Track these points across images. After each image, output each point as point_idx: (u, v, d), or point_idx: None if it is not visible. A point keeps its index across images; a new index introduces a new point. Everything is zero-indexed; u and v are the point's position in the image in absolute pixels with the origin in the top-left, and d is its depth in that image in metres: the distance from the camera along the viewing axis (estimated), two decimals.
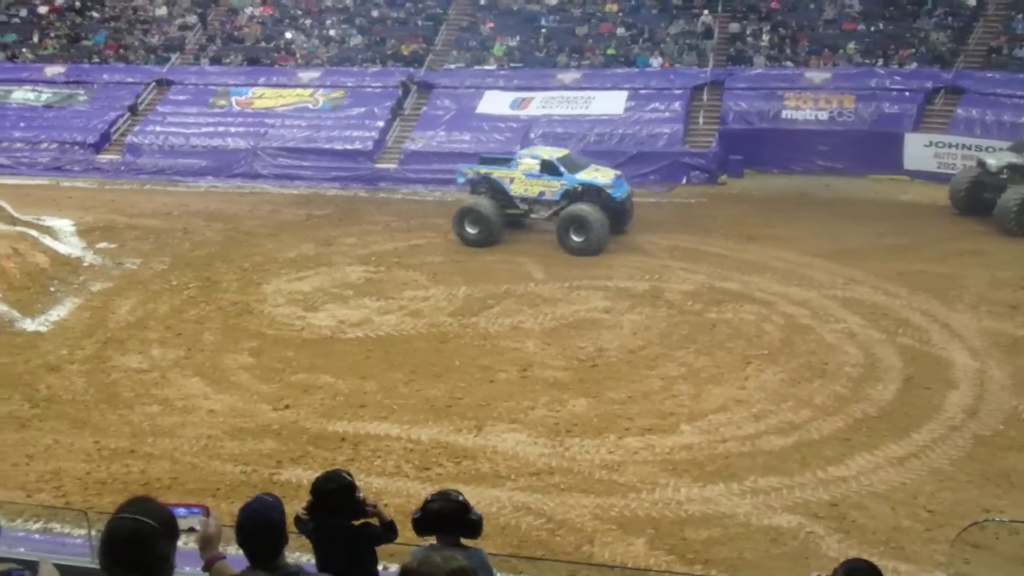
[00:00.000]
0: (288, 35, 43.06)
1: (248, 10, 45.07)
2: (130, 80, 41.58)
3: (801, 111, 35.66)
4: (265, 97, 39.57)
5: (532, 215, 28.96)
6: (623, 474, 16.10)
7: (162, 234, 29.88)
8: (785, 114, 35.81)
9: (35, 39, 44.56)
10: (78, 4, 46.32)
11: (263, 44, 42.82)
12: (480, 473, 16.30)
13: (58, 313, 24.03)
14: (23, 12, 46.45)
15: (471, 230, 28.27)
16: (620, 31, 40.63)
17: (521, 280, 25.37)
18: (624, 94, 37.14)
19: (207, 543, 4.59)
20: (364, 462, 16.54)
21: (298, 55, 41.81)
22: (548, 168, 28.37)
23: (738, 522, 14.65)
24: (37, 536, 13.90)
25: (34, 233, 27.96)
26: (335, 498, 6.78)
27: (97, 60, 42.92)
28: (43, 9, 46.30)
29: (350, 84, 39.60)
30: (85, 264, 27.24)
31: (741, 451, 16.77)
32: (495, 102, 37.73)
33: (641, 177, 34.09)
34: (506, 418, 18.19)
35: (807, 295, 23.93)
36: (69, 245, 28.41)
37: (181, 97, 40.38)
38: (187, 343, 22.10)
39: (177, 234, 29.90)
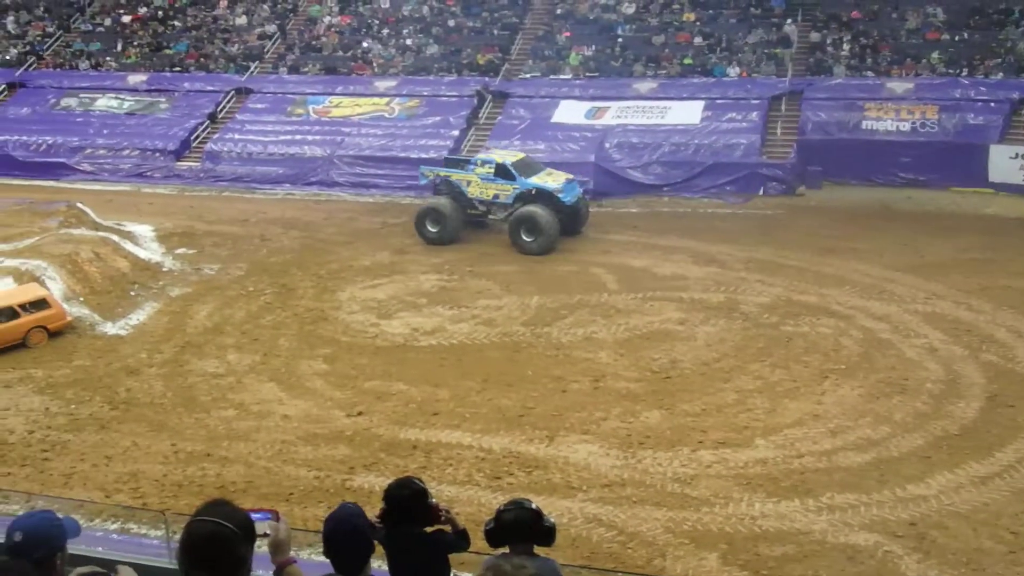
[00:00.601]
0: (365, 44, 43.48)
1: (326, 19, 45.62)
2: (210, 88, 42.30)
3: (882, 122, 35.11)
4: (342, 106, 39.99)
5: (490, 216, 30.25)
6: (696, 488, 15.97)
7: (240, 241, 30.35)
8: (866, 125, 35.27)
9: (119, 48, 45.55)
10: (161, 14, 47.28)
11: (341, 53, 43.29)
12: (551, 484, 16.28)
13: (138, 317, 24.53)
14: (107, 21, 47.54)
15: (432, 229, 29.68)
16: (697, 40, 40.40)
17: (595, 290, 25.31)
18: (700, 104, 36.90)
19: (278, 547, 4.65)
20: (436, 470, 16.62)
21: (375, 64, 42.18)
22: (502, 172, 29.68)
23: (814, 539, 14.45)
24: (115, 536, 14.18)
25: (116, 238, 28.55)
26: (408, 504, 6.78)
27: (178, 69, 43.73)
28: (127, 18, 47.34)
29: (426, 93, 39.87)
30: (164, 269, 27.76)
31: (817, 467, 16.54)
32: (570, 112, 37.72)
33: (717, 188, 33.87)
34: (578, 429, 18.15)
35: (887, 309, 23.54)
36: (149, 250, 28.97)
37: (260, 105, 40.98)
38: (263, 349, 22.41)
39: (254, 241, 30.35)
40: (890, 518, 14.92)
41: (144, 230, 30.95)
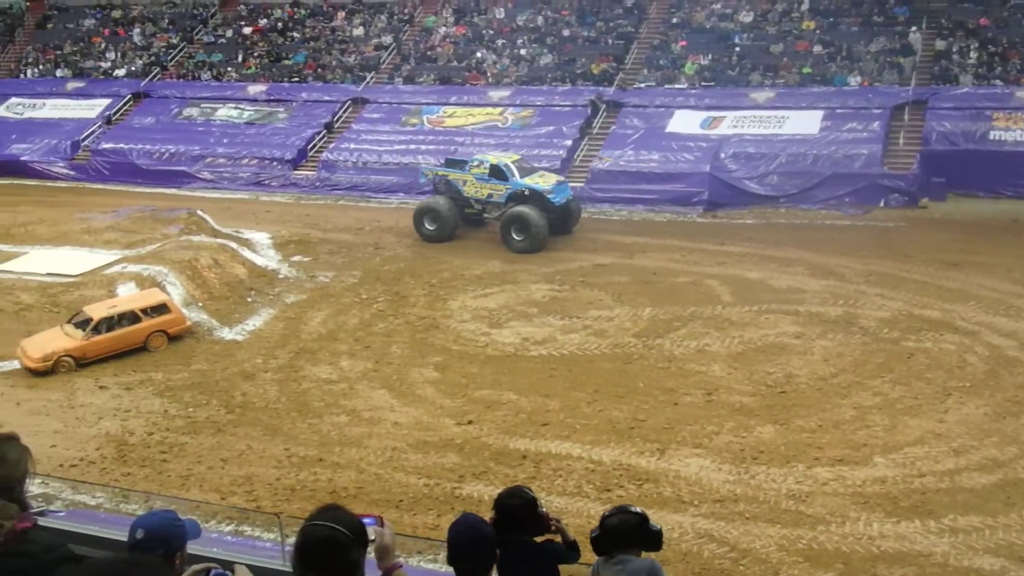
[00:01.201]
0: (479, 55, 43.81)
1: (442, 30, 46.11)
2: (327, 99, 43.07)
3: (1011, 132, 33.95)
4: (456, 116, 40.34)
5: (485, 215, 31.65)
6: (811, 505, 15.64)
7: (354, 249, 30.80)
8: (993, 135, 34.16)
9: (239, 59, 46.71)
10: (280, 25, 48.38)
11: (455, 64, 43.68)
12: (662, 497, 16.12)
13: (254, 323, 25.07)
14: (229, 33, 48.81)
15: (429, 227, 31.27)
16: (817, 49, 39.69)
17: (708, 302, 25.01)
18: (819, 114, 36.21)
19: (385, 552, 4.67)
20: (545, 480, 16.59)
21: (489, 74, 42.45)
22: (496, 173, 31.13)
23: (935, 562, 14.01)
24: (229, 538, 14.46)
25: (234, 245, 29.25)
26: (519, 513, 6.73)
27: (296, 79, 44.65)
28: (248, 30, 48.54)
29: (539, 103, 39.96)
30: (280, 276, 28.33)
31: (939, 487, 16.05)
32: (685, 121, 37.41)
33: (835, 199, 33.17)
34: (690, 442, 17.95)
35: (1015, 326, 22.75)
36: (266, 257, 29.60)
37: (375, 115, 41.57)
38: (375, 356, 22.69)
39: (368, 249, 30.76)
40: (1017, 542, 14.40)
41: (261, 237, 31.64)
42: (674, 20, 43.36)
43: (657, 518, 14.91)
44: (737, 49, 40.75)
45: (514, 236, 30.02)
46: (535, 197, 30.46)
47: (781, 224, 32.03)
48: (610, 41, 43.04)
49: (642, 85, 40.23)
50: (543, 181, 31.24)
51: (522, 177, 31.10)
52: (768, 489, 16.22)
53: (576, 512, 15.44)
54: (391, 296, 26.55)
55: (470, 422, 19.18)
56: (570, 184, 32.27)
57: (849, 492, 16.00)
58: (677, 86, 39.71)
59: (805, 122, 35.98)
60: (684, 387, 20.33)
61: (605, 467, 17.20)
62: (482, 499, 15.89)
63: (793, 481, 16.42)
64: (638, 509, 6.51)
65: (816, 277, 26.61)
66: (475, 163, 31.77)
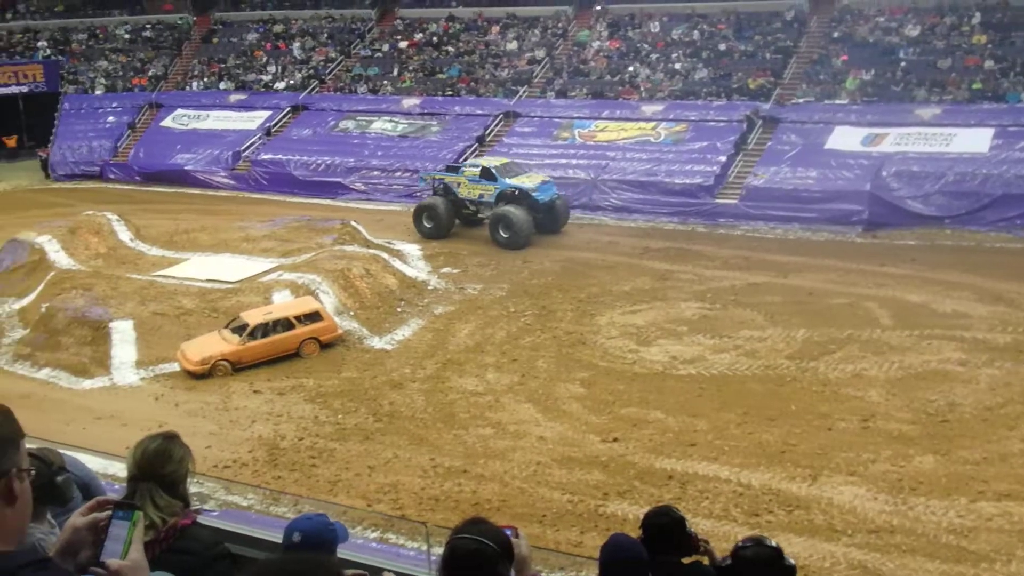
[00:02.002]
0: (633, 69, 43.73)
1: (595, 44, 46.22)
2: (479, 112, 43.62)
3: None
4: (608, 130, 40.33)
5: (480, 215, 34.25)
6: (974, 541, 15.02)
7: (502, 261, 31.07)
8: None
9: (395, 72, 47.74)
10: (436, 39, 49.26)
11: (608, 78, 43.70)
12: (813, 525, 15.72)
13: (403, 333, 25.48)
14: (385, 47, 49.96)
15: (427, 224, 34.13)
16: (988, 64, 38.29)
17: (866, 325, 24.32)
18: (990, 131, 34.88)
19: (523, 564, 4.66)
20: (691, 502, 16.37)
21: (642, 89, 42.31)
22: (486, 174, 33.93)
23: None
24: (375, 544, 14.71)
25: (385, 256, 29.82)
26: (669, 533, 6.65)
27: (450, 93, 45.38)
28: (404, 44, 49.60)
29: (693, 118, 39.63)
30: (430, 288, 28.74)
31: None
32: (845, 138, 36.53)
33: (1006, 221, 31.87)
34: (844, 469, 17.45)
35: None
36: (416, 269, 30.10)
37: (526, 129, 41.90)
38: (521, 369, 22.79)
39: (516, 262, 30.98)
40: None
41: (412, 249, 32.22)
42: (836, 34, 42.48)
43: (808, 546, 14.64)
44: (902, 64, 39.64)
45: (501, 232, 32.66)
46: (522, 196, 33.15)
47: (946, 246, 30.94)
48: (768, 55, 42.42)
49: (800, 100, 39.50)
50: (529, 181, 33.82)
51: (511, 178, 33.80)
52: (927, 522, 15.65)
53: (722, 536, 15.16)
54: (538, 310, 26.65)
55: (616, 439, 19.07)
56: (555, 186, 34.49)
57: (1016, 529, 15.30)
58: (837, 101, 38.85)
59: (974, 140, 34.71)
60: (839, 412, 19.80)
61: (754, 491, 16.87)
62: (626, 518, 15.77)
63: (955, 515, 15.80)
64: (774, 543, 6.34)
65: (984, 302, 25.59)
66: (469, 166, 35.07)
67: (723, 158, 37.21)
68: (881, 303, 25.84)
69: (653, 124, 39.89)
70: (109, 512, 3.19)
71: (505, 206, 32.92)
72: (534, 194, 33.23)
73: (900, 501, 16.27)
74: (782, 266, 29.29)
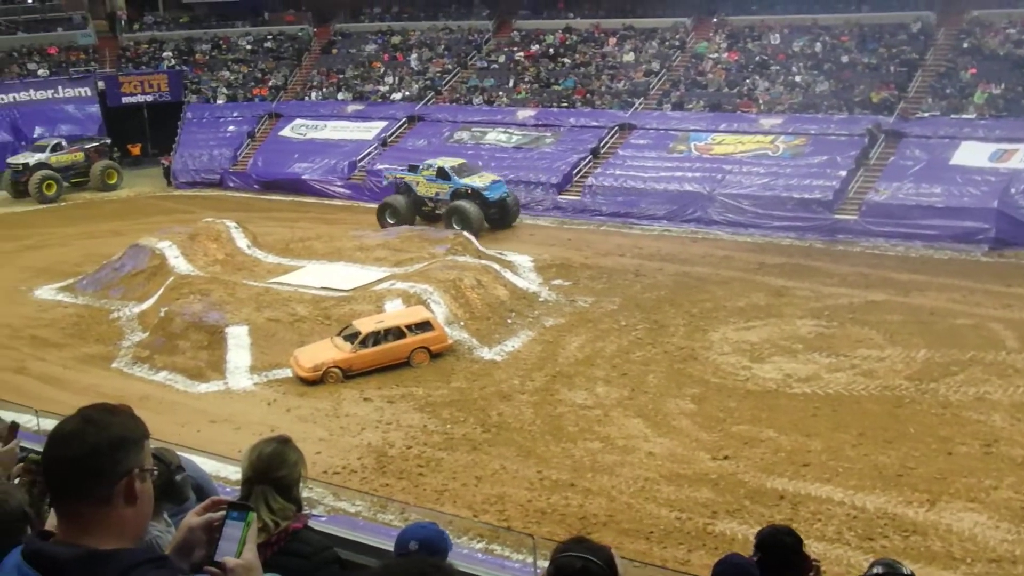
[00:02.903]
0: (751, 81, 43.28)
1: (713, 56, 45.88)
2: (594, 124, 43.61)
3: None
4: (724, 143, 39.96)
5: (437, 211, 37.80)
6: None
7: (614, 274, 31.00)
8: None
9: (511, 84, 48.07)
10: (552, 51, 49.45)
11: (726, 90, 43.33)
12: (930, 552, 15.34)
13: (513, 344, 25.61)
14: (502, 59, 50.34)
15: (390, 220, 37.27)
16: None
17: (991, 347, 23.62)
18: None
19: None
20: (803, 524, 16.09)
21: (761, 101, 41.84)
22: (441, 174, 37.47)
23: None
24: (480, 555, 14.80)
25: (496, 267, 30.01)
26: (786, 554, 6.57)
27: (565, 104, 45.49)
28: (520, 56, 49.90)
29: (813, 131, 39.02)
30: (540, 299, 28.83)
31: None
32: (972, 153, 35.53)
33: None
34: (964, 495, 16.99)
35: None
36: (527, 280, 30.22)
37: (642, 141, 41.75)
38: (631, 384, 22.71)
39: (629, 275, 30.88)
40: None
41: (523, 260, 32.36)
42: (964, 46, 41.41)
43: (924, 574, 14.26)
44: None
45: (455, 226, 35.56)
46: (473, 193, 36.70)
47: None
48: (892, 68, 41.57)
49: (925, 114, 38.60)
50: (480, 180, 37.37)
51: (464, 177, 37.34)
52: None
53: (835, 560, 14.92)
54: (650, 324, 26.52)
55: (726, 457, 18.88)
56: (505, 186, 37.90)
57: None
58: (964, 116, 37.86)
59: None
60: (960, 436, 19.27)
61: (868, 515, 16.53)
62: (735, 537, 15.60)
63: None
64: (907, 570, 6.21)
65: None
66: (425, 167, 38.10)
67: (843, 173, 36.56)
68: (1007, 324, 25.09)
69: (771, 137, 39.40)
70: (223, 512, 3.28)
71: (459, 201, 36.61)
72: (484, 192, 36.88)
73: None
74: (903, 284, 28.65)
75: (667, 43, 47.64)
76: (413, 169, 38.61)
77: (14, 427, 5.71)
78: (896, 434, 19.47)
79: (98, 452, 2.96)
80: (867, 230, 33.98)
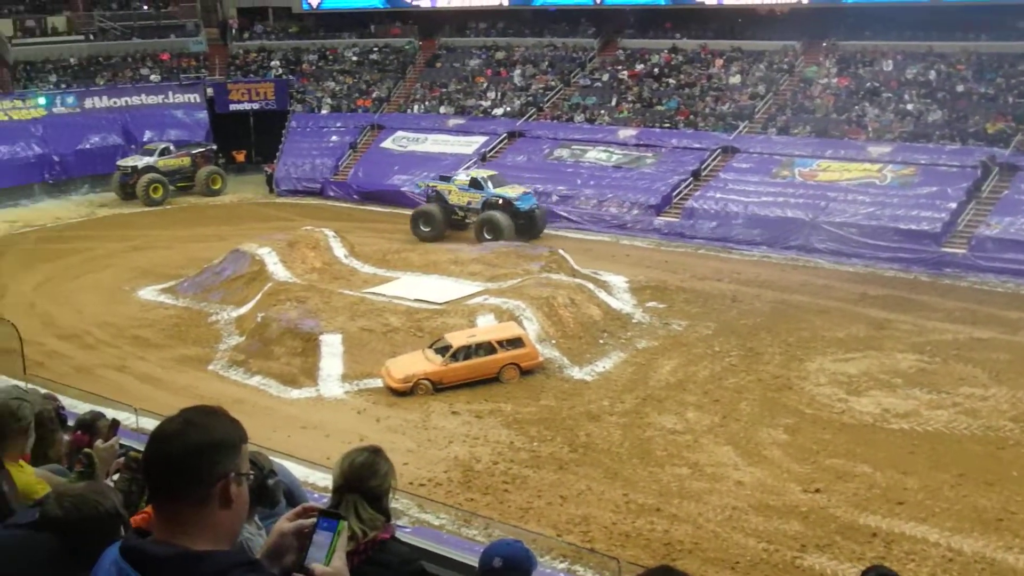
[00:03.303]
0: (860, 108, 42.63)
1: (822, 81, 45.31)
2: (696, 146, 43.34)
3: None
4: (830, 170, 39.38)
5: (467, 220, 39.21)
6: None
7: (710, 299, 30.76)
8: None
9: (613, 103, 48.04)
10: (657, 71, 49.32)
11: (834, 116, 42.72)
12: None
13: (604, 365, 25.56)
14: (605, 77, 50.36)
15: (424, 228, 38.80)
16: None
17: None
18: None
19: None
20: (895, 563, 15.78)
21: (870, 129, 41.17)
22: (474, 184, 39.08)
23: None
24: (562, 575, 14.84)
25: (591, 286, 30.01)
26: None
27: (668, 125, 45.29)
28: (624, 74, 49.86)
29: (923, 161, 38.23)
30: (634, 321, 28.73)
31: None
32: None
33: None
34: None
35: None
36: (621, 301, 30.15)
37: (744, 165, 41.37)
38: (723, 410, 22.53)
39: (725, 300, 30.62)
40: None
41: (618, 281, 32.29)
42: None
43: None
44: None
45: (485, 235, 37.09)
46: (505, 203, 38.12)
47: None
48: (1010, 99, 40.56)
49: None
50: (512, 191, 38.83)
51: (496, 188, 38.74)
52: None
53: None
54: (744, 351, 26.27)
55: (818, 490, 18.60)
56: (535, 198, 39.37)
57: None
58: None
59: None
60: None
61: (965, 558, 16.14)
62: (824, 573, 15.39)
63: None
64: None
65: None
66: (459, 175, 40.20)
67: (953, 205, 35.76)
68: None
69: (879, 166, 38.73)
70: (314, 520, 3.36)
71: (490, 211, 37.84)
72: (515, 202, 38.21)
73: None
74: (1012, 322, 27.93)
75: (775, 66, 47.17)
76: (445, 179, 40.41)
77: (115, 424, 5.92)
78: (998, 476, 18.99)
79: (197, 454, 3.05)
80: (976, 265, 33.20)
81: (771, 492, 18.61)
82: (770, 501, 18.25)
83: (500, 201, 38.21)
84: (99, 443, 5.59)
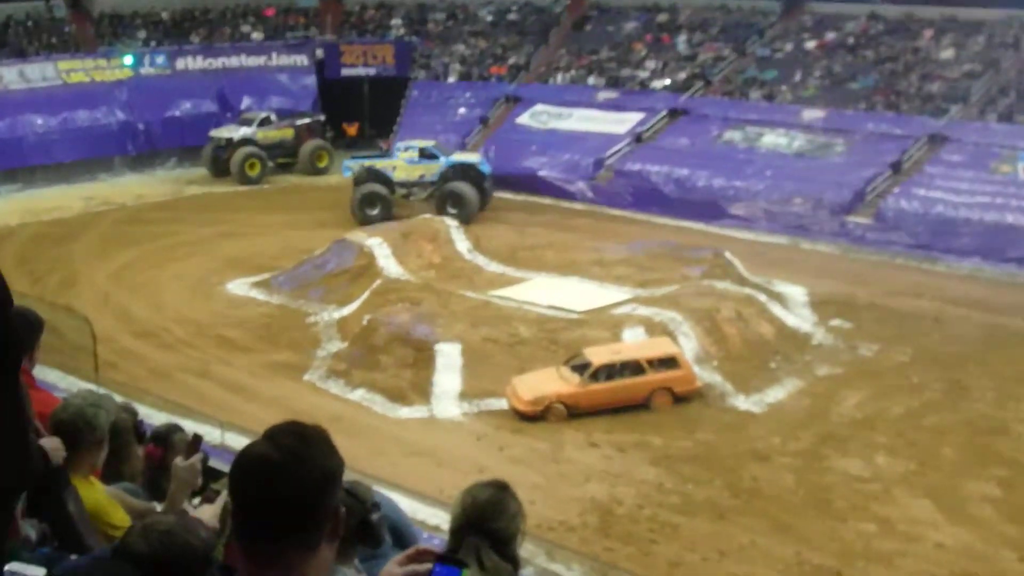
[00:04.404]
0: None
1: None
2: (898, 132, 42.41)
3: None
4: None
5: (411, 197, 41.70)
6: None
7: (907, 319, 30.09)
8: None
9: (797, 78, 47.34)
10: (852, 41, 48.40)
11: None
12: None
13: (775, 394, 25.19)
14: (788, 47, 49.64)
15: (371, 212, 40.13)
16: None
17: None
18: None
19: None
20: None
21: None
22: (426, 154, 41.72)
23: None
24: None
25: (762, 298, 29.60)
26: None
27: (863, 106, 44.43)
28: (811, 44, 49.09)
29: None
30: (813, 342, 28.25)
31: None
32: None
33: None
34: None
35: None
36: (799, 317, 29.67)
37: (955, 158, 40.34)
38: (920, 455, 22.03)
39: (926, 322, 29.94)
40: None
41: (796, 292, 31.80)
42: None
43: None
44: None
45: (450, 210, 39.17)
46: (467, 168, 41.30)
47: None
48: None
49: None
50: (468, 156, 42.98)
51: (447, 156, 42.05)
52: None
53: None
54: (948, 384, 25.63)
55: None
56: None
57: None
58: None
59: None
60: None
61: None
62: None
63: None
64: None
65: None
66: (403, 149, 42.21)
67: None
68: None
69: None
70: (430, 566, 3.28)
71: (454, 183, 40.58)
72: (479, 166, 41.78)
73: None
74: None
75: (996, 40, 45.89)
76: (380, 156, 43.21)
77: (196, 440, 5.93)
78: None
79: (314, 491, 3.01)
80: None
81: (979, 559, 18.15)
82: (977, 569, 17.82)
83: (456, 167, 41.22)
84: (178, 460, 5.62)
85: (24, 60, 49.31)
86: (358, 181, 41.48)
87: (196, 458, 5.67)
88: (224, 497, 5.47)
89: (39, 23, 52.63)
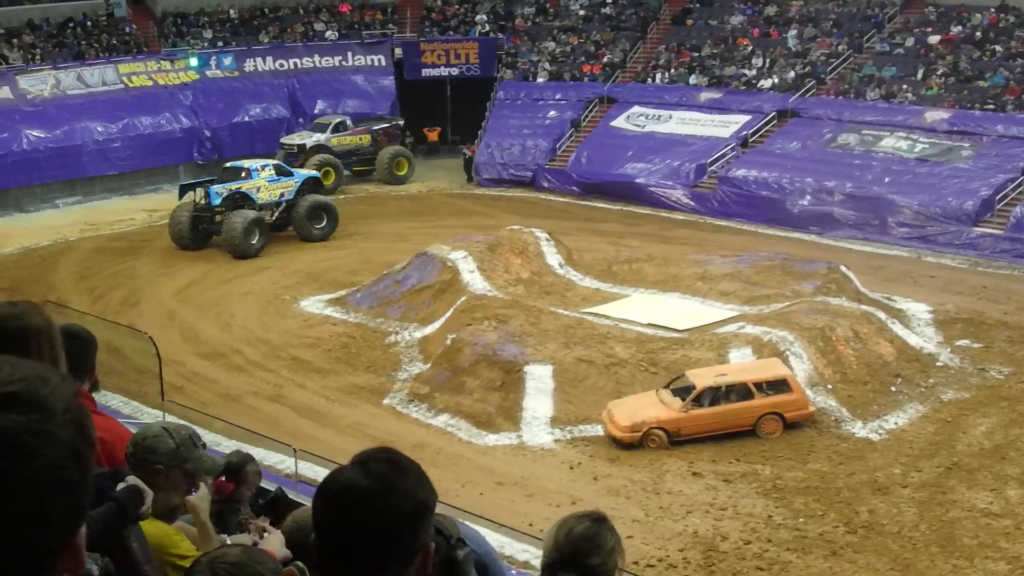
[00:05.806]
0: None
1: None
2: None
3: None
4: None
5: (276, 219, 40.61)
6: None
7: None
8: None
9: (919, 76, 46.86)
10: (979, 35, 47.75)
11: None
12: None
13: (896, 420, 24.96)
14: (909, 42, 49.13)
15: (255, 243, 38.58)
16: None
17: None
18: None
19: None
20: None
21: None
22: (281, 170, 41.62)
23: None
24: None
25: (882, 316, 29.34)
26: None
27: (992, 107, 43.88)
28: (934, 39, 48.49)
29: None
30: (938, 364, 27.95)
31: None
32: None
33: None
34: None
35: None
36: (921, 336, 29.39)
37: None
38: None
39: None
40: None
41: (919, 310, 31.52)
42: None
43: None
44: None
45: (315, 226, 40.33)
46: (312, 181, 42.40)
47: None
48: None
49: None
50: (308, 170, 43.68)
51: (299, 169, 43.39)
52: None
53: None
54: None
55: None
56: None
57: None
58: None
59: None
60: None
61: None
62: None
63: None
64: None
65: None
66: (260, 167, 40.94)
67: None
68: None
69: None
70: None
71: (311, 196, 41.11)
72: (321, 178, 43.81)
73: None
74: None
75: None
76: (234, 175, 40.58)
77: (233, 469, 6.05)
78: None
79: (404, 525, 3.01)
80: None
81: None
82: None
83: (309, 181, 41.97)
84: (191, 498, 5.73)
85: (83, 63, 50.35)
86: (215, 208, 39.50)
87: (204, 490, 5.82)
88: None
89: (98, 23, 53.65)
